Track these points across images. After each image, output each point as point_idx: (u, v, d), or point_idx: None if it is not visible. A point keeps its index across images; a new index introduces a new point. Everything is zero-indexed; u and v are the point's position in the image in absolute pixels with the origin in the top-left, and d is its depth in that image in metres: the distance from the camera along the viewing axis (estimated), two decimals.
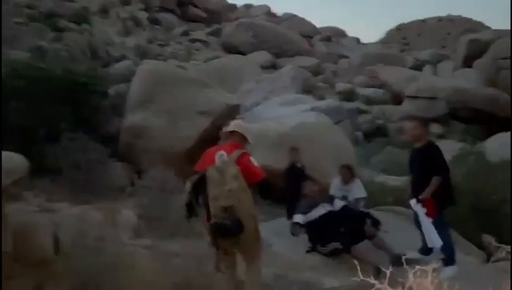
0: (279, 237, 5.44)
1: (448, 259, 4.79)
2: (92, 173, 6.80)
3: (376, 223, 6.27)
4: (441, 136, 25.84)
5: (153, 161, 7.29)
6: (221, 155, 3.44)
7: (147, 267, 4.62)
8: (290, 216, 5.74)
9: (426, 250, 5.23)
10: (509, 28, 33.91)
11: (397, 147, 16.20)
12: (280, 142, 6.85)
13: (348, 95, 29.36)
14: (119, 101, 8.86)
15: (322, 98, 26.33)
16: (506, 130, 20.22)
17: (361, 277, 4.21)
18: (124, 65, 18.99)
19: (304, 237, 5.62)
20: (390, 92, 30.65)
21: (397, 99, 30.02)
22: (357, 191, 6.23)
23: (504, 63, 29.10)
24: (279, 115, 8.59)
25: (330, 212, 5.28)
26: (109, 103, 8.44)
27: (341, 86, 31.49)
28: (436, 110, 26.22)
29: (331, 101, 24.30)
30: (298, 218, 5.27)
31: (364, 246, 5.12)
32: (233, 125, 3.73)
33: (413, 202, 4.97)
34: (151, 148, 7.61)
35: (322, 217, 5.26)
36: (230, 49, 35.80)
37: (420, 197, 4.80)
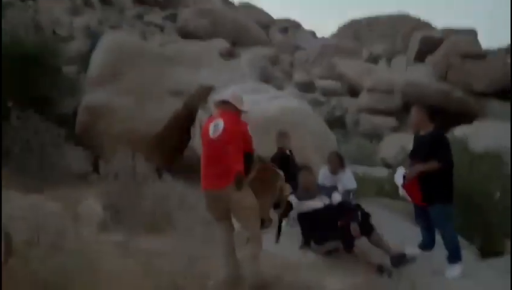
0: (269, 234, 4.85)
1: (453, 256, 4.43)
2: (46, 157, 5.87)
3: (366, 216, 5.87)
4: (395, 129, 26.46)
5: (116, 146, 6.45)
6: (216, 124, 3.56)
7: (120, 269, 3.90)
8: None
9: (427, 245, 4.85)
10: (455, 27, 35.38)
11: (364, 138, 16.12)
12: (265, 127, 6.23)
13: (306, 86, 29.29)
14: (75, 79, 7.86)
15: (280, 88, 26.07)
16: (457, 125, 20.99)
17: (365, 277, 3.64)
18: (72, 47, 17.52)
19: (295, 232, 5.08)
20: (348, 84, 30.98)
21: (354, 91, 30.42)
22: (347, 181, 5.77)
23: (454, 60, 30.27)
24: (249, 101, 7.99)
25: (327, 207, 4.75)
26: (64, 80, 7.41)
27: (299, 76, 31.40)
28: (391, 103, 26.79)
29: (292, 91, 24.13)
30: (291, 198, 4.71)
31: (362, 243, 4.63)
32: (227, 94, 3.85)
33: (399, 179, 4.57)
34: (114, 131, 6.72)
35: (318, 212, 4.71)
36: (186, 34, 34.55)
37: (406, 174, 4.51)
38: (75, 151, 6.59)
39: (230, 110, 3.68)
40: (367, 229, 4.51)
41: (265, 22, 45.27)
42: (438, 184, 4.42)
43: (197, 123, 6.90)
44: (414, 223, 6.16)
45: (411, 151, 4.81)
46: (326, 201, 4.82)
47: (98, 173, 5.43)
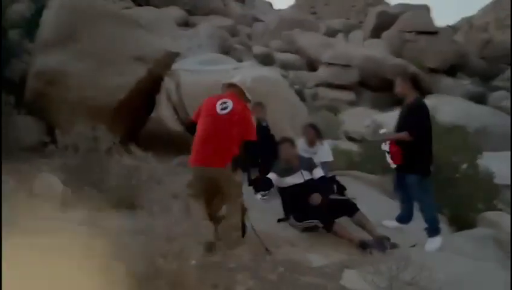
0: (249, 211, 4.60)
1: (432, 229, 4.40)
2: None
3: (341, 189, 5.75)
4: (352, 103, 26.86)
5: (73, 115, 5.87)
6: (224, 102, 3.54)
7: (87, 250, 3.49)
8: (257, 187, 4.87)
9: (404, 218, 4.82)
10: (409, 3, 36.05)
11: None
12: None
13: (265, 59, 28.88)
14: (19, 43, 7.02)
15: (240, 60, 25.58)
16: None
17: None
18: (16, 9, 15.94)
19: (274, 207, 4.86)
20: (306, 58, 30.93)
21: (312, 65, 30.44)
22: (324, 154, 5.61)
23: (409, 36, 30.98)
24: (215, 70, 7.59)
25: (308, 182, 4.55)
26: (10, 42, 6.59)
27: (258, 49, 30.92)
28: (349, 78, 27.12)
29: (252, 63, 23.62)
30: (271, 176, 4.48)
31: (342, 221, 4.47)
32: (236, 79, 3.89)
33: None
34: (70, 99, 6.07)
35: (298, 187, 4.50)
36: (140, 1, 32.86)
37: (384, 133, 4.61)
38: (27, 121, 5.93)
39: (238, 95, 3.70)
40: (350, 209, 4.37)
41: None
42: (414, 154, 4.35)
43: (163, 91, 6.43)
44: (389, 196, 6.16)
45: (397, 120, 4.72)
46: (308, 176, 4.62)
47: (55, 145, 4.88)
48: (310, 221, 4.35)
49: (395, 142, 4.42)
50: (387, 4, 49.79)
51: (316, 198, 4.34)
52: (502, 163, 9.07)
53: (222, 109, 3.53)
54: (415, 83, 4.52)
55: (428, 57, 29.78)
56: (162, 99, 6.45)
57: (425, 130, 4.31)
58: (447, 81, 27.87)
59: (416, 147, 4.33)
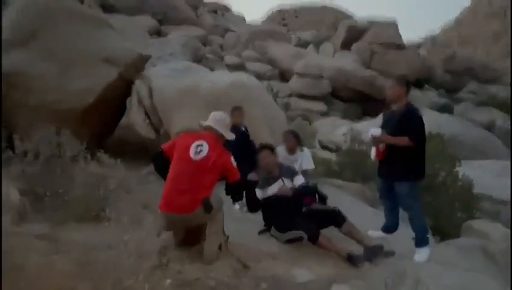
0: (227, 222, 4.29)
1: (421, 239, 4.21)
2: None
3: (323, 197, 5.52)
4: (324, 114, 27.02)
5: (33, 120, 5.44)
6: (199, 145, 3.37)
7: (47, 267, 3.07)
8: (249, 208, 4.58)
9: (390, 227, 4.61)
10: (378, 18, 36.95)
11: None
12: (216, 102, 5.57)
13: (238, 69, 28.73)
14: None
15: (212, 69, 25.33)
16: (380, 112, 21.92)
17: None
18: None
19: (253, 218, 4.56)
20: (278, 68, 30.99)
21: (284, 75, 30.51)
22: (305, 161, 5.36)
23: (377, 48, 31.66)
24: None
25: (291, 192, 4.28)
26: None
27: (230, 59, 30.75)
28: (321, 89, 27.29)
29: (224, 73, 23.41)
30: (258, 193, 4.19)
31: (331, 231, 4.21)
32: (211, 120, 3.58)
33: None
34: (30, 103, 5.61)
35: (281, 196, 4.22)
36: (110, 9, 32.17)
37: (374, 134, 4.29)
38: None
39: (215, 134, 3.51)
40: (338, 220, 4.11)
41: (194, 2, 43.76)
42: (410, 161, 4.18)
43: (133, 96, 6.05)
44: (369, 204, 5.97)
45: (382, 127, 4.54)
46: (289, 184, 4.35)
47: (12, 151, 4.42)
48: (293, 232, 4.06)
49: (388, 147, 4.23)
50: (356, 19, 50.82)
51: (285, 189, 4.08)
52: (474, 172, 9.14)
53: (196, 153, 3.34)
54: (408, 88, 4.35)
55: (397, 69, 30.42)
56: (133, 104, 6.07)
57: (424, 136, 4.17)
58: (415, 93, 28.45)
59: (414, 154, 4.17)
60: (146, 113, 6.07)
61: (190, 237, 3.52)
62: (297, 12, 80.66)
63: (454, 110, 27.32)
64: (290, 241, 4.17)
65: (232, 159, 3.51)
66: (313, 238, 3.95)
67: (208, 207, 3.30)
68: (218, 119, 3.59)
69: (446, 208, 5.90)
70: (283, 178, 4.34)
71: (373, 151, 4.42)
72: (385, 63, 30.97)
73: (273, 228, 4.28)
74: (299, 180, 4.45)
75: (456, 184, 6.40)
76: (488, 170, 10.77)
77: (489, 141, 14.69)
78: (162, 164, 3.44)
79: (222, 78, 6.09)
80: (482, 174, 9.24)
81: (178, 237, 3.49)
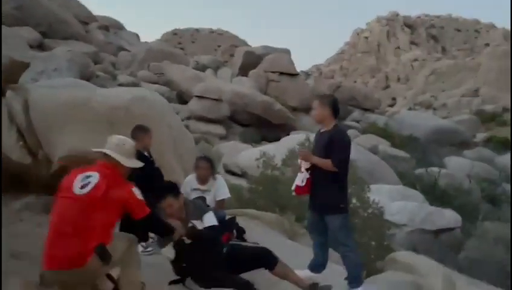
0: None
1: (355, 278, 3.80)
2: None
3: (240, 232, 4.90)
4: (223, 137, 26.72)
5: None
6: (87, 177, 2.67)
7: None
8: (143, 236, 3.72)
9: (318, 265, 4.12)
10: (272, 46, 38.54)
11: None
12: (113, 118, 4.63)
13: None
14: None
15: (103, 87, 23.53)
16: (278, 136, 22.34)
17: None
18: None
19: (161, 262, 3.73)
20: (176, 90, 30.11)
21: (182, 97, 29.69)
22: (220, 191, 4.69)
23: (272, 76, 32.76)
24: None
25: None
26: None
27: (124, 78, 29.08)
28: (220, 112, 27.03)
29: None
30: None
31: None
32: (108, 145, 2.89)
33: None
34: None
35: (192, 245, 3.47)
36: None
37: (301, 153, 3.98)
38: None
39: (111, 163, 2.82)
40: (269, 261, 3.49)
41: (84, 16, 40.95)
42: (338, 191, 3.79)
43: (4, 110, 4.80)
44: (289, 237, 5.49)
45: (313, 147, 4.12)
46: (200, 226, 3.61)
47: None
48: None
49: (312, 178, 3.79)
50: (250, 46, 52.39)
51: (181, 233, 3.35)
52: (373, 196, 9.35)
53: (82, 187, 2.64)
54: (335, 109, 3.94)
55: (290, 96, 31.75)
56: (3, 120, 4.81)
57: (346, 164, 3.79)
58: (306, 119, 29.70)
59: (342, 183, 3.79)
60: (20, 133, 4.85)
61: None
62: (193, 37, 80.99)
63: None
64: None
65: (136, 190, 2.83)
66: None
67: (103, 255, 2.61)
68: (117, 144, 2.90)
69: (361, 237, 5.66)
70: (192, 221, 3.60)
71: (296, 181, 3.93)
72: (279, 90, 32.07)
73: (189, 279, 3.50)
74: (209, 219, 3.72)
75: (367, 211, 6.28)
76: (384, 194, 11.20)
77: (380, 166, 15.57)
78: None
79: (119, 92, 5.18)
80: (380, 199, 9.47)
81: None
